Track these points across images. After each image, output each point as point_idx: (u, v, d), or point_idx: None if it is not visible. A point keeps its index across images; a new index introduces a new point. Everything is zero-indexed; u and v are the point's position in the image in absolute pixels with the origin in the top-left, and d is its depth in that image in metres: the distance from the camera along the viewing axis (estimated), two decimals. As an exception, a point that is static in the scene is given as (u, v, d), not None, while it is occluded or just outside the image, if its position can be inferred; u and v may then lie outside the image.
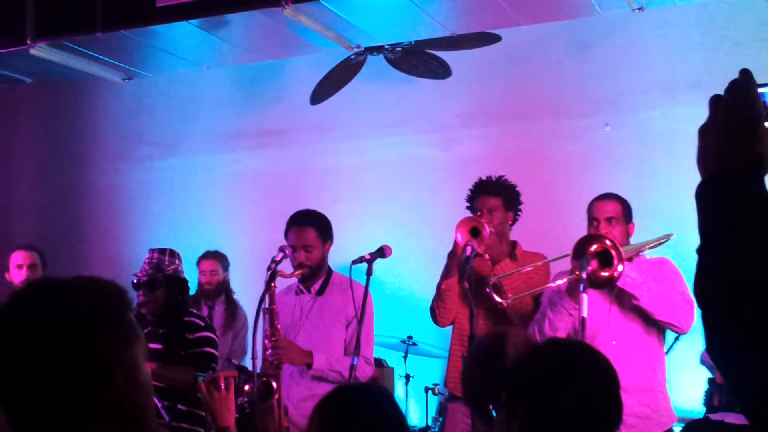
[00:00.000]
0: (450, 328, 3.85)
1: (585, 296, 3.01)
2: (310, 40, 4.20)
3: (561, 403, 1.67)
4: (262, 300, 3.36)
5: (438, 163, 5.59)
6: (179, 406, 3.68)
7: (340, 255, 3.79)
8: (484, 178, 3.82)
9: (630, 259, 3.35)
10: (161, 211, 6.30)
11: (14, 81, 4.89)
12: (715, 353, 1.14)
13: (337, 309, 3.63)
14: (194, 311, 3.99)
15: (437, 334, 4.68)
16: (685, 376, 4.33)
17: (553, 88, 5.29)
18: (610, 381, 1.74)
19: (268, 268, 3.38)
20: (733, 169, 1.15)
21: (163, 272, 3.78)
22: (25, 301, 1.29)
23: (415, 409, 5.14)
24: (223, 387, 2.66)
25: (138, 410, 1.28)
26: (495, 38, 4.77)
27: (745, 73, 1.21)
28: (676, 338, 3.77)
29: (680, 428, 3.73)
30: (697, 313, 1.26)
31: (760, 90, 1.20)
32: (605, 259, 3.15)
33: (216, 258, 5.23)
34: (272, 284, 3.38)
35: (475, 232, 3.46)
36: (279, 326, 3.43)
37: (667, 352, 3.57)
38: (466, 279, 3.25)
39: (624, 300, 3.38)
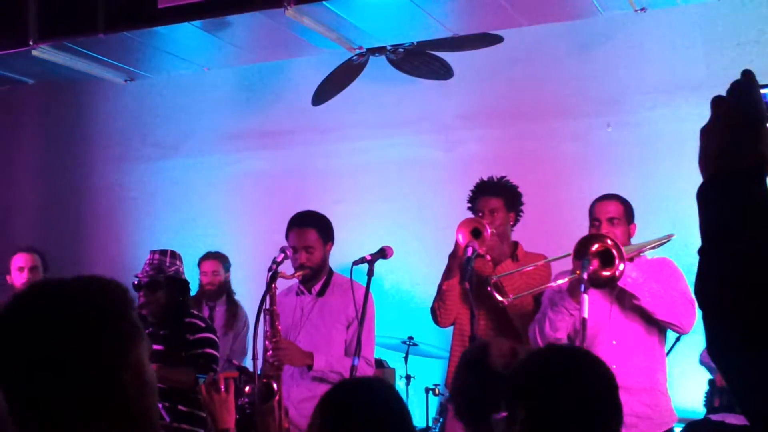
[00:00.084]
0: (451, 328, 3.84)
1: (586, 297, 3.01)
2: (312, 41, 4.20)
3: (561, 404, 1.68)
4: (262, 301, 3.35)
5: (440, 163, 5.59)
6: (180, 407, 3.68)
7: (341, 256, 3.79)
8: (485, 178, 3.81)
9: (631, 260, 3.35)
10: (163, 212, 6.30)
11: (16, 82, 4.90)
12: (716, 353, 1.14)
13: (337, 310, 3.62)
14: (195, 312, 4.00)
15: (438, 335, 4.68)
16: (686, 377, 4.33)
17: (555, 88, 5.29)
18: (610, 384, 1.75)
19: (269, 269, 3.37)
20: (735, 170, 1.15)
21: (164, 273, 3.78)
22: (26, 302, 1.29)
23: (416, 409, 5.13)
24: (223, 389, 2.66)
25: (142, 410, 1.28)
26: (497, 39, 4.77)
27: (747, 74, 1.21)
28: (677, 338, 3.77)
29: (681, 428, 3.72)
30: (697, 313, 1.26)
31: (762, 91, 1.21)
32: (606, 258, 3.15)
33: (217, 259, 5.23)
34: (273, 285, 3.37)
35: (476, 233, 3.45)
36: (280, 327, 3.42)
37: (668, 353, 3.57)
38: (468, 280, 3.26)
39: (625, 300, 3.37)
